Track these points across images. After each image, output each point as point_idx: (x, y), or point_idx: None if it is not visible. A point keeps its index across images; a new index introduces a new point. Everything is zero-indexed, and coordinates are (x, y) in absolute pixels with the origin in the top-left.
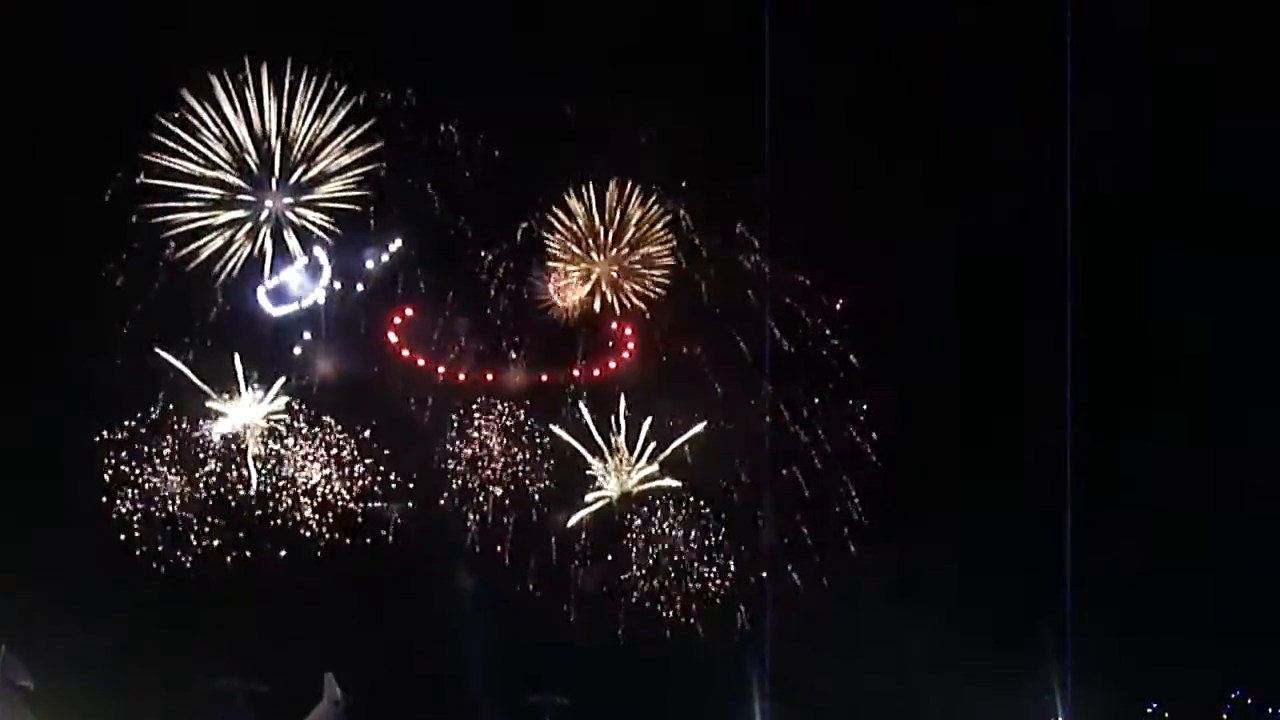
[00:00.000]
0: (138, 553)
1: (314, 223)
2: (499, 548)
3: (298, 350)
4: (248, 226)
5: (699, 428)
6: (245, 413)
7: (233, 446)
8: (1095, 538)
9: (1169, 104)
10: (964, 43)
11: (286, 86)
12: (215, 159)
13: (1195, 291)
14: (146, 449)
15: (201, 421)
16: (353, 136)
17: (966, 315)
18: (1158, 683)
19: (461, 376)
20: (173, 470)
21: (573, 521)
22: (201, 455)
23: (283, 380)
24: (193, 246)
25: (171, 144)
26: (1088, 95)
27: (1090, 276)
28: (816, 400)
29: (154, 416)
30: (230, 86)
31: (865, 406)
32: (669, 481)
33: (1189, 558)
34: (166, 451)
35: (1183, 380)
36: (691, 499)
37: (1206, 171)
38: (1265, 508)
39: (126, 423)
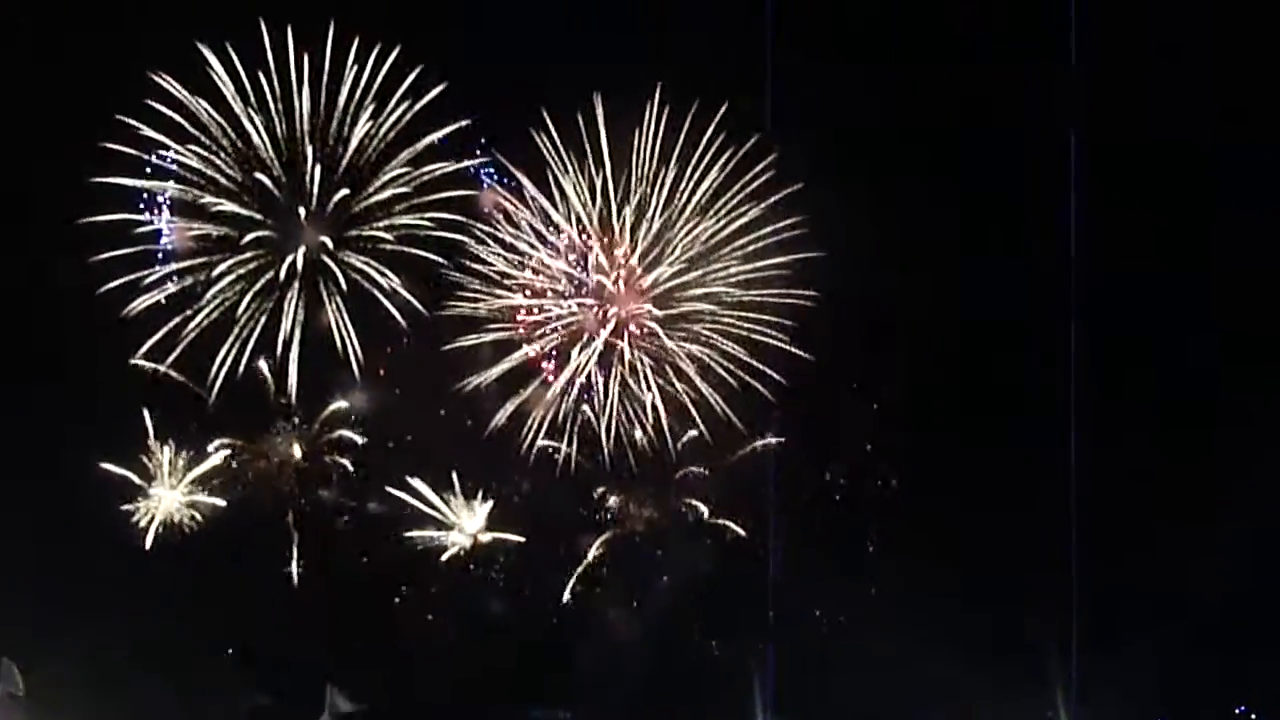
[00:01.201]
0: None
1: (363, 272)
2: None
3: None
4: (264, 280)
5: (772, 440)
6: (281, 448)
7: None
8: (1100, 553)
9: (1173, 104)
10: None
11: (327, 66)
12: (216, 176)
13: (1200, 298)
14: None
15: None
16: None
17: (972, 323)
18: (1162, 698)
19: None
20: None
21: (592, 553)
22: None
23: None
24: (178, 319)
25: (143, 155)
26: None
27: (1096, 281)
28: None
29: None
30: (237, 66)
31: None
32: (735, 527)
33: (1193, 571)
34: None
35: (1190, 389)
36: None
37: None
38: (1273, 519)
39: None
